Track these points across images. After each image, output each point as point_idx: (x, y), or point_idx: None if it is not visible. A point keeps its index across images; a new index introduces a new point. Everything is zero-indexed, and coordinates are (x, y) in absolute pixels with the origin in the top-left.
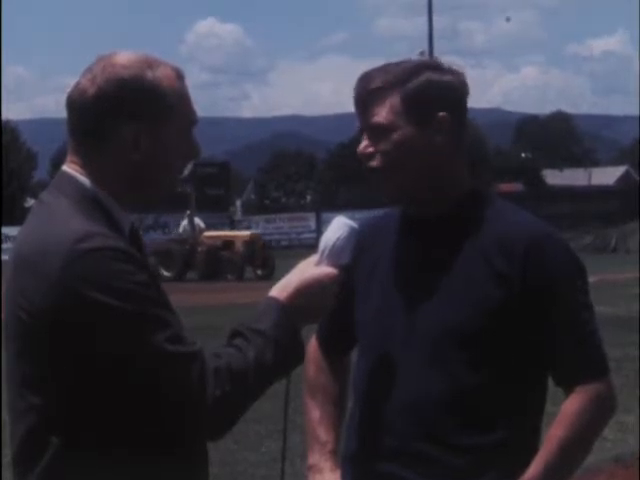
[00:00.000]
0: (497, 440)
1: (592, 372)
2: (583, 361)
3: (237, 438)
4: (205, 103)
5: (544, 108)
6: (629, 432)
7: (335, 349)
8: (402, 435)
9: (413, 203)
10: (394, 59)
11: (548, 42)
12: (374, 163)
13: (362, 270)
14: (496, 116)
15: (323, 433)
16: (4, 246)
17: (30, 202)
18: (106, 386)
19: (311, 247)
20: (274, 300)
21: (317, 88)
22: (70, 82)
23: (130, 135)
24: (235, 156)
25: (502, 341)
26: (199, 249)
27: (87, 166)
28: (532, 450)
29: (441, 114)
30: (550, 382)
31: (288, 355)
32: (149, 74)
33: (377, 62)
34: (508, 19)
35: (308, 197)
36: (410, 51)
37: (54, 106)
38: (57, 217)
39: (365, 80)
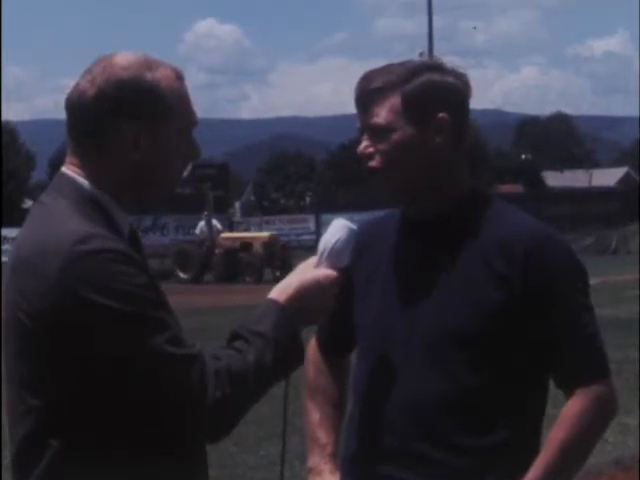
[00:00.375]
0: (497, 441)
1: (593, 374)
2: (584, 363)
3: (236, 441)
4: (204, 104)
5: (544, 109)
6: (630, 434)
7: (335, 351)
8: (402, 436)
9: (413, 203)
10: (394, 59)
11: (549, 42)
12: (374, 163)
13: (362, 271)
14: (496, 117)
15: (323, 435)
16: (3, 247)
17: (28, 203)
18: (105, 388)
19: (310, 249)
20: (274, 302)
21: (317, 89)
22: (69, 83)
23: (130, 136)
24: (234, 157)
25: (502, 342)
26: (217, 251)
27: (86, 167)
28: (533, 452)
29: (441, 115)
30: (551, 384)
31: (288, 357)
32: (148, 75)
33: (377, 63)
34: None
35: (307, 198)
36: (410, 51)
37: (53, 107)
38: (56, 218)
39: (366, 80)
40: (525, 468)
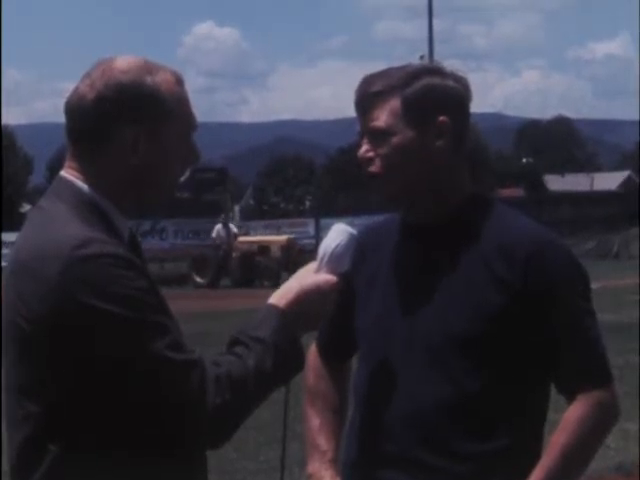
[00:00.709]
0: (499, 447)
1: (594, 379)
2: (585, 368)
3: (236, 446)
4: (203, 107)
5: (545, 112)
6: (631, 440)
7: (335, 356)
8: (403, 441)
9: (413, 207)
10: (394, 63)
11: (549, 45)
12: (374, 167)
13: (363, 276)
14: (497, 120)
15: (323, 441)
16: (2, 252)
17: (26, 207)
18: (105, 391)
19: (310, 252)
20: (274, 307)
21: (316, 92)
22: (67, 86)
23: (129, 140)
24: (233, 161)
25: (503, 346)
26: (234, 254)
27: (85, 171)
28: (534, 457)
29: (441, 118)
30: (552, 389)
31: (288, 362)
32: (148, 79)
33: (377, 66)
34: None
35: (307, 202)
36: (410, 55)
37: (51, 111)
38: (55, 223)
39: (366, 84)
40: (526, 473)
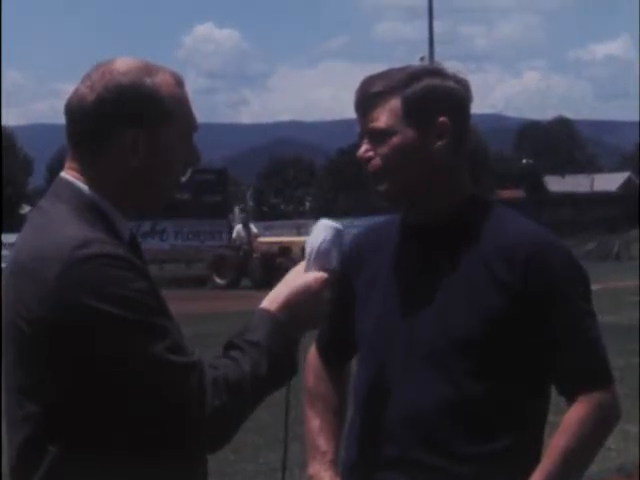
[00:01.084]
0: (499, 449)
1: (595, 381)
2: (585, 369)
3: (235, 448)
4: (203, 109)
5: (546, 113)
6: (631, 441)
7: (335, 358)
8: (403, 442)
9: (413, 207)
10: (394, 64)
11: (550, 47)
12: (374, 167)
13: (363, 277)
14: (497, 121)
15: (323, 442)
16: (2, 253)
17: (26, 209)
18: (105, 391)
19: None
20: (265, 311)
21: (316, 94)
22: (66, 88)
23: (129, 141)
24: (233, 162)
25: (503, 347)
26: (254, 255)
27: (86, 172)
28: (534, 459)
29: (441, 119)
30: (553, 391)
31: (282, 366)
32: (148, 80)
33: (377, 67)
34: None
35: (307, 203)
36: (410, 56)
37: (50, 112)
38: (55, 223)
39: (366, 85)
40: (527, 475)
